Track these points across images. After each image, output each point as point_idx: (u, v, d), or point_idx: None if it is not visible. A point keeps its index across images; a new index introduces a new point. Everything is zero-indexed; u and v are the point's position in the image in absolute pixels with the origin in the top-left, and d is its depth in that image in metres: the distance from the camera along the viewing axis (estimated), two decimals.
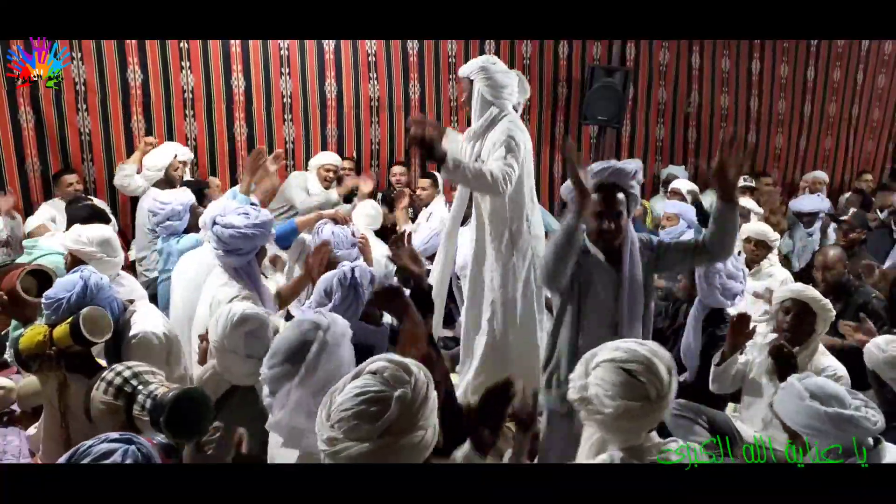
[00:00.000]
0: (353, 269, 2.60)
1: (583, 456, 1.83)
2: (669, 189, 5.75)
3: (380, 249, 4.45)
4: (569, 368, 2.46)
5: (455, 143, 3.34)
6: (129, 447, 1.49)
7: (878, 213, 5.99)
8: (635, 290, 2.52)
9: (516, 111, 3.27)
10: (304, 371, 1.80)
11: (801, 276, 4.91)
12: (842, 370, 2.83)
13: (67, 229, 3.75)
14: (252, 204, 3.29)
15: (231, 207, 3.08)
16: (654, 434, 1.72)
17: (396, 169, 5.91)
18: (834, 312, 2.95)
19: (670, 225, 4.82)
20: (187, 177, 5.11)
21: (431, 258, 3.97)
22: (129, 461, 1.47)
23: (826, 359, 2.89)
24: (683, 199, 5.45)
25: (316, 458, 1.60)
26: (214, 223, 2.94)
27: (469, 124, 3.29)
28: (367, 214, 5.06)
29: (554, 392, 2.61)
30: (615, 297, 2.51)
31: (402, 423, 1.36)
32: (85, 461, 1.46)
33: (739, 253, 4.16)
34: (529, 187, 3.25)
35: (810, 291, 2.98)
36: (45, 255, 3.59)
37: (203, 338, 2.56)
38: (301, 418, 1.77)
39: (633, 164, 2.54)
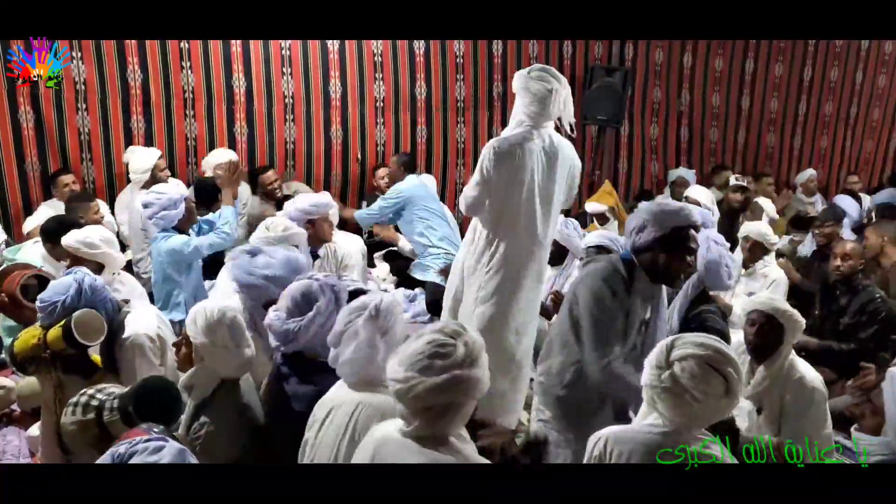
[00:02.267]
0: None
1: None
2: (685, 196, 5.39)
3: (356, 245, 4.49)
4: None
5: None
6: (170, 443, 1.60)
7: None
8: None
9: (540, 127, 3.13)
10: (369, 315, 2.10)
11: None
12: (818, 380, 2.71)
13: None
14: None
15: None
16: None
17: (381, 171, 5.82)
18: (803, 322, 2.75)
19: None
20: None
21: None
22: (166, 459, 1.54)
23: (799, 367, 2.73)
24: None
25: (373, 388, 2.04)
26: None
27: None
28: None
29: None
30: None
31: (467, 361, 1.61)
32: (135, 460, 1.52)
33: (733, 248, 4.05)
34: (522, 197, 3.08)
35: (776, 303, 2.80)
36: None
37: (178, 345, 2.42)
38: (367, 349, 2.07)
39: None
